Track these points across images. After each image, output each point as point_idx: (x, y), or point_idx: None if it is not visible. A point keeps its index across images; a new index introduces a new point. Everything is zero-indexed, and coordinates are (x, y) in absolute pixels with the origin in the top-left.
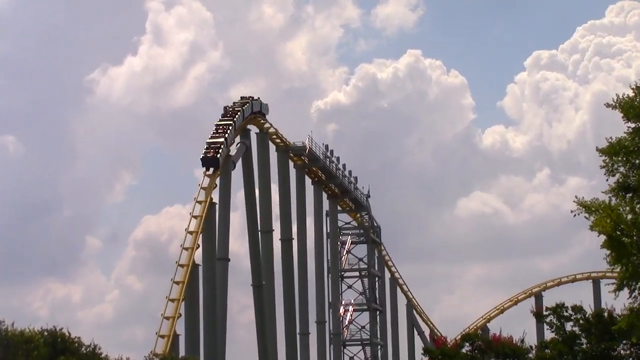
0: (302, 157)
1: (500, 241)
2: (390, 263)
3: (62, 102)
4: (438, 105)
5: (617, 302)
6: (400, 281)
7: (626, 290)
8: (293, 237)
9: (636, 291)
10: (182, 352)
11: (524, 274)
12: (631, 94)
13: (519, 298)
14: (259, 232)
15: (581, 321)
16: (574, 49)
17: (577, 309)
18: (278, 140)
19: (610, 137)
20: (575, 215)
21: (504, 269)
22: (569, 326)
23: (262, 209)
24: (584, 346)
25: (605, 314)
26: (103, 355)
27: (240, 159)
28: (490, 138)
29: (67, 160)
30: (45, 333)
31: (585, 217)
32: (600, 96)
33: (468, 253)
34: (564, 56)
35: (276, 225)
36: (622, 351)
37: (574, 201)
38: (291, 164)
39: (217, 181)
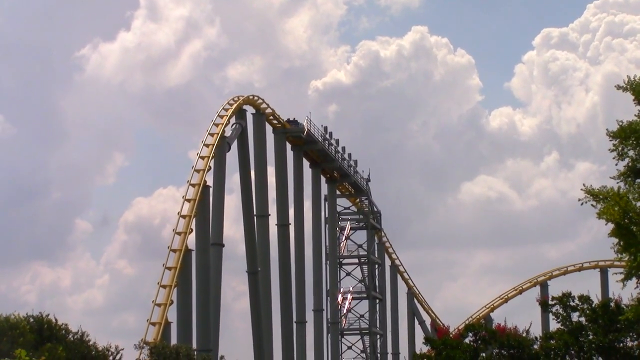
0: (300, 139)
1: (506, 227)
2: (390, 250)
3: (50, 80)
4: (443, 86)
5: (625, 291)
6: (401, 268)
7: (634, 280)
8: (290, 222)
9: None
10: (173, 340)
11: (530, 262)
12: None
13: (524, 287)
14: (255, 217)
15: (587, 311)
16: (585, 28)
17: (584, 298)
18: (275, 122)
19: (621, 121)
20: (582, 204)
21: (509, 256)
22: (575, 316)
23: (258, 192)
24: (590, 337)
25: (612, 304)
26: (91, 343)
27: (236, 140)
28: (497, 120)
29: (56, 140)
30: (31, 319)
31: (592, 205)
32: (612, 77)
33: (472, 240)
34: (575, 35)
35: (272, 210)
36: (629, 342)
37: (581, 189)
38: (288, 146)
39: (211, 163)
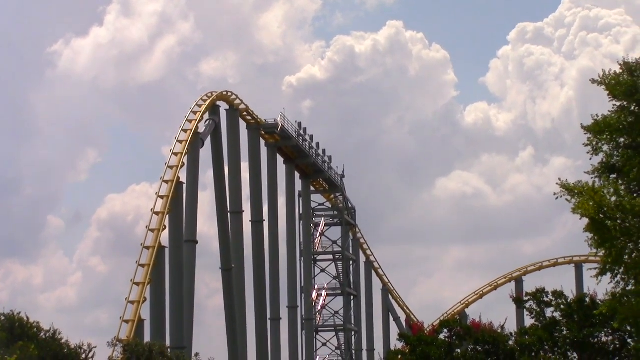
0: (274, 135)
1: (481, 223)
2: (365, 246)
3: (22, 76)
4: (419, 81)
5: (600, 287)
6: (376, 265)
7: (609, 275)
8: (264, 218)
9: (619, 276)
10: (147, 338)
11: (505, 258)
12: (618, 70)
13: (499, 283)
14: (229, 213)
15: (562, 307)
16: (560, 22)
17: (558, 294)
18: (249, 118)
19: (596, 115)
20: (557, 198)
21: (484, 252)
22: (549, 312)
23: (232, 189)
24: (565, 332)
25: (587, 300)
26: (64, 341)
27: (209, 136)
28: (472, 116)
29: (28, 137)
30: (3, 317)
31: (567, 199)
32: (587, 72)
33: (447, 235)
34: (550, 30)
35: (246, 206)
36: (603, 337)
37: (556, 183)
38: (262, 142)
39: (185, 159)
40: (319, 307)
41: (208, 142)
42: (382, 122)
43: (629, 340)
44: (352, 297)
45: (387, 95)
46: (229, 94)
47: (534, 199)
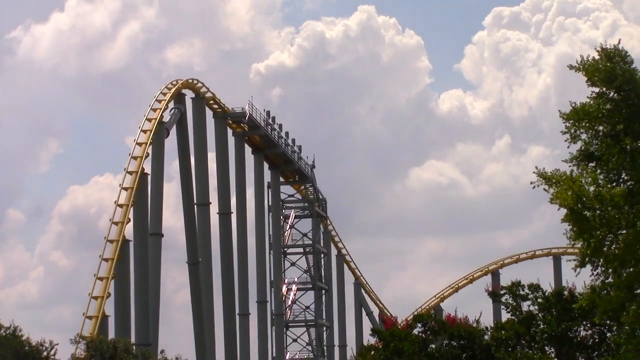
0: (242, 125)
1: (456, 214)
2: (336, 238)
3: None
4: (391, 68)
5: (579, 279)
6: (348, 258)
7: (588, 268)
8: (232, 210)
9: (599, 268)
10: (111, 334)
11: (481, 250)
12: (596, 56)
13: (475, 276)
14: (195, 205)
15: (539, 300)
16: (537, 7)
17: (534, 287)
18: (216, 106)
19: (574, 102)
20: (534, 187)
21: (460, 244)
22: (526, 306)
23: (198, 180)
24: (542, 326)
25: (566, 293)
26: (24, 338)
27: (175, 126)
28: (447, 103)
29: None
30: None
31: (544, 189)
32: (565, 58)
33: (421, 227)
34: (527, 14)
35: (213, 198)
36: (582, 331)
37: (533, 172)
38: (230, 131)
39: (150, 150)
40: (289, 302)
41: (173, 131)
42: (353, 111)
43: (609, 335)
44: (323, 292)
45: (358, 82)
46: (195, 81)
47: (511, 189)
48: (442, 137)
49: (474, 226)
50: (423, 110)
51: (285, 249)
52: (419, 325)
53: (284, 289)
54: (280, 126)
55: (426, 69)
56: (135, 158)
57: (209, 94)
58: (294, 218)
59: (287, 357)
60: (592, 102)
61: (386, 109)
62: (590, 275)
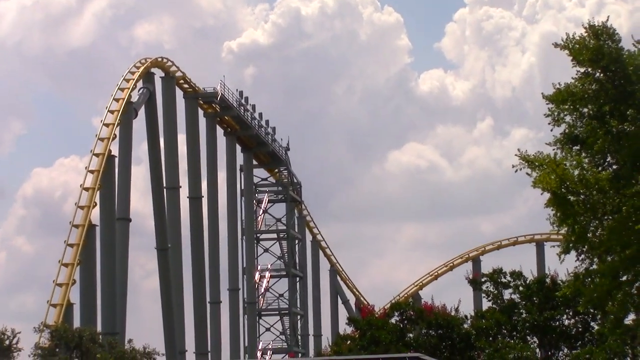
0: (213, 105)
1: (436, 199)
2: (311, 224)
3: None
4: (370, 46)
5: (562, 267)
6: (323, 244)
7: (572, 254)
8: (203, 194)
9: (583, 255)
10: (76, 323)
11: (462, 236)
12: (583, 33)
13: (455, 263)
14: (165, 189)
15: (521, 288)
16: None
17: (516, 275)
18: (186, 86)
19: (558, 83)
20: (516, 171)
21: (439, 230)
22: (507, 294)
23: (168, 163)
24: (524, 315)
25: (548, 281)
26: None
27: (143, 106)
28: (427, 84)
29: None
30: None
31: (527, 173)
32: (550, 37)
33: (400, 212)
34: None
35: (184, 181)
36: (565, 320)
37: (515, 155)
38: (201, 112)
39: (117, 131)
40: (262, 290)
41: (142, 112)
42: (330, 91)
43: (593, 324)
44: (297, 279)
45: (335, 62)
46: (165, 60)
47: (493, 173)
48: (421, 119)
49: (454, 211)
50: (402, 91)
51: (258, 235)
52: (397, 313)
53: (257, 276)
54: (254, 107)
55: (405, 47)
56: (102, 139)
57: (179, 73)
58: (268, 202)
59: (259, 347)
60: (577, 83)
61: (364, 89)
62: (576, 260)
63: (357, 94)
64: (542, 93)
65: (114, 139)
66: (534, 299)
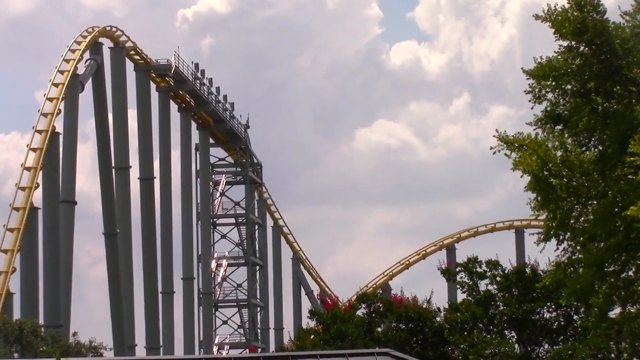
0: (167, 78)
1: (408, 181)
2: (273, 208)
3: None
4: (337, 16)
5: (543, 256)
6: (285, 230)
7: (553, 242)
8: (155, 175)
9: (565, 243)
10: (17, 314)
11: (436, 222)
12: (566, 4)
13: (428, 251)
14: (113, 169)
15: (498, 278)
16: None
17: (493, 264)
18: (137, 57)
19: (540, 57)
20: (495, 153)
21: (411, 215)
22: (483, 285)
23: (117, 140)
24: (502, 308)
25: (528, 271)
26: None
27: (91, 79)
28: (399, 56)
29: None
30: None
31: (506, 154)
32: (531, 7)
33: (369, 195)
34: None
35: (134, 161)
36: (546, 314)
37: (494, 135)
38: (153, 86)
39: (62, 106)
40: (219, 279)
41: (89, 85)
42: (294, 64)
43: (576, 318)
44: (257, 268)
45: (300, 32)
46: (114, 29)
47: (469, 154)
48: (393, 95)
49: (427, 195)
50: (372, 64)
51: (215, 220)
52: (364, 306)
53: (213, 264)
54: (210, 81)
55: (376, 17)
56: (45, 115)
57: (129, 44)
58: (225, 184)
59: (215, 341)
60: (559, 57)
61: (331, 62)
62: (555, 250)
63: (323, 67)
64: (522, 68)
65: (58, 114)
66: (513, 290)
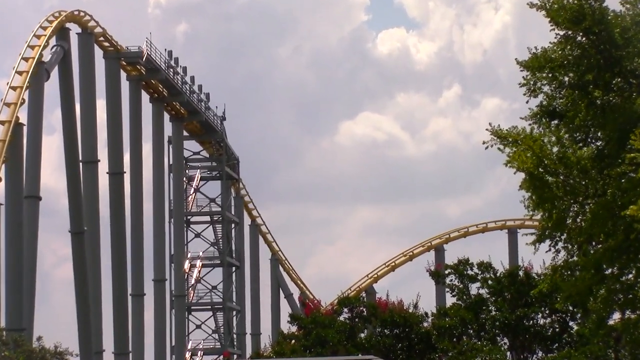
0: (138, 67)
1: (395, 178)
2: (250, 205)
3: None
4: (321, 2)
5: (537, 258)
6: (264, 229)
7: (548, 244)
8: (125, 169)
9: (560, 244)
10: None
11: (424, 222)
12: None
13: (415, 252)
14: (81, 163)
15: (490, 282)
16: None
17: (485, 266)
18: (106, 44)
19: (535, 47)
20: (487, 148)
21: (398, 214)
22: (474, 288)
23: (85, 133)
24: (494, 313)
25: (521, 273)
26: None
27: (57, 67)
28: (386, 45)
29: None
30: None
31: (499, 149)
32: None
33: (353, 193)
34: None
35: (103, 155)
36: (541, 319)
37: (486, 129)
38: (124, 75)
39: (26, 95)
40: (193, 281)
41: (55, 73)
42: (274, 53)
43: (572, 324)
44: (233, 269)
45: (280, 19)
46: (82, 14)
47: (460, 149)
48: (379, 85)
49: (415, 192)
50: (357, 53)
51: (188, 217)
52: (346, 310)
53: (187, 265)
54: (185, 69)
55: (362, 3)
56: (8, 105)
57: (98, 29)
58: (200, 180)
59: (188, 347)
60: (555, 48)
61: (313, 50)
62: (547, 251)
63: (305, 56)
64: (516, 59)
65: (22, 104)
66: (505, 294)
